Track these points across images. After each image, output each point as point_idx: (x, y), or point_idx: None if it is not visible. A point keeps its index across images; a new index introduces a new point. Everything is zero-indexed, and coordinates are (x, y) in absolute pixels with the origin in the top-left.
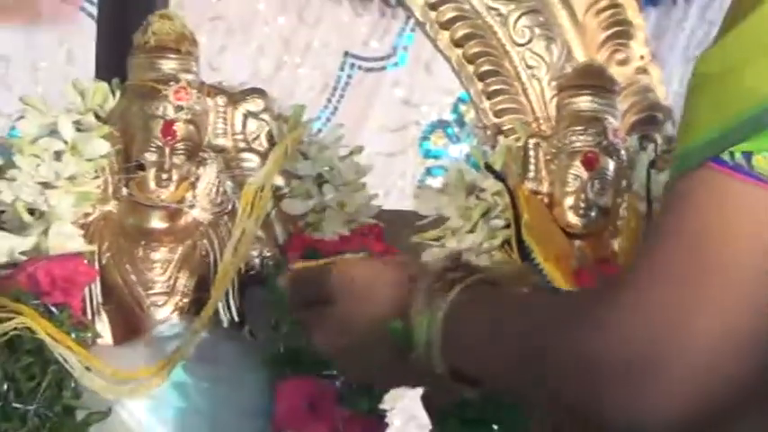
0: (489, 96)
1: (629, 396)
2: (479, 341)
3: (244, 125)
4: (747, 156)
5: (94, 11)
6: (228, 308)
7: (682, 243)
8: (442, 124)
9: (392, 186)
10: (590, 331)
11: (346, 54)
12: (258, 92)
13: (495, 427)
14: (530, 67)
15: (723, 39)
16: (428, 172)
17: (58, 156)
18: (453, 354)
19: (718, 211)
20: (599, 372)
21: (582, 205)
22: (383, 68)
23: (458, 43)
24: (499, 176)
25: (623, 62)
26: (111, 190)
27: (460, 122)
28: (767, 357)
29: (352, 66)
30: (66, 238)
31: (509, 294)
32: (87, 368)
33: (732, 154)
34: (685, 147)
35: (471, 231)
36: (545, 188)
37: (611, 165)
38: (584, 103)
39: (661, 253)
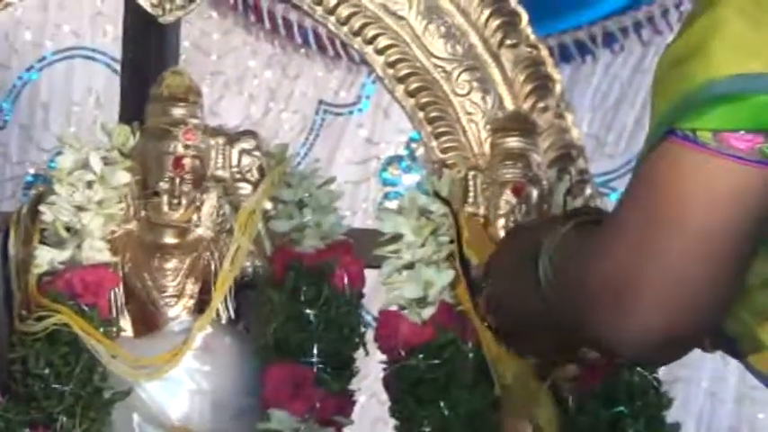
0: (437, 137)
1: (606, 317)
2: (558, 270)
3: (239, 160)
4: (692, 130)
5: (118, 67)
6: (227, 308)
7: (644, 198)
8: (397, 158)
9: (358, 209)
10: (583, 265)
11: (320, 102)
12: (250, 133)
13: (442, 404)
14: (469, 114)
15: (676, 40)
16: (386, 197)
17: (89, 185)
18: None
19: (670, 175)
20: (585, 297)
21: (511, 225)
22: (350, 113)
23: (411, 94)
24: (445, 201)
25: (544, 109)
26: (132, 212)
27: (412, 157)
28: (724, 293)
29: (325, 111)
30: (95, 251)
31: (582, 231)
32: (113, 356)
33: (681, 129)
34: (649, 130)
35: (422, 246)
36: (482, 211)
37: (535, 193)
38: (512, 142)
39: (630, 206)
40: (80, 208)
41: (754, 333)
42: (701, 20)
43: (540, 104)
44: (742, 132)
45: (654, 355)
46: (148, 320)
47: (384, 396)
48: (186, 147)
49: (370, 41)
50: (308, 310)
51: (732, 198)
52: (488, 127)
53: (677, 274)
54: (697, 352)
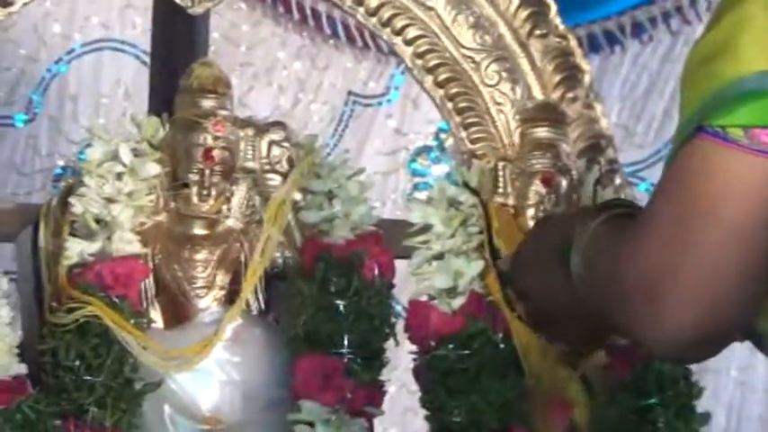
0: (466, 127)
1: (639, 313)
2: (590, 265)
3: (269, 151)
4: (722, 127)
5: (148, 59)
6: (257, 299)
7: (677, 193)
8: (426, 149)
9: (387, 199)
10: (617, 258)
11: (349, 93)
12: (280, 124)
13: (473, 394)
14: (498, 104)
15: (704, 37)
16: (415, 187)
17: (119, 176)
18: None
19: (702, 171)
20: (618, 293)
21: (541, 215)
22: (379, 104)
23: (440, 85)
24: (474, 192)
25: (573, 99)
26: (161, 204)
27: (441, 148)
28: (755, 288)
29: (354, 102)
30: (125, 243)
31: (612, 225)
32: (143, 347)
33: (711, 125)
34: (679, 126)
35: (452, 236)
36: (511, 201)
37: (565, 182)
38: (542, 132)
39: (663, 201)
40: (110, 200)
41: None
42: (728, 16)
43: (570, 95)
44: None
45: (686, 352)
46: (179, 312)
47: (414, 386)
48: (216, 138)
49: (399, 32)
50: (338, 301)
51: (763, 193)
52: (517, 117)
53: (711, 269)
54: None
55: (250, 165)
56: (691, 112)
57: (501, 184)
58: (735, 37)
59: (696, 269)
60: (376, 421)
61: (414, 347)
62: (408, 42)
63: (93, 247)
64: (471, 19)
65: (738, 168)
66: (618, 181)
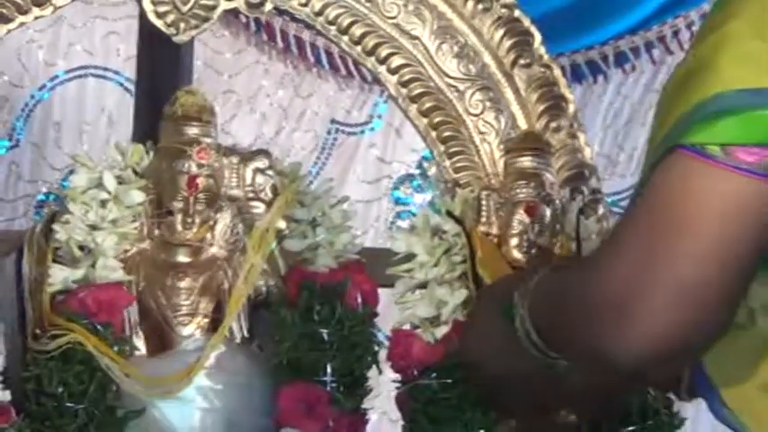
0: (450, 156)
1: (614, 327)
2: (542, 311)
3: (253, 179)
4: (701, 144)
5: (132, 86)
6: (240, 326)
7: (654, 208)
8: (408, 177)
9: (370, 228)
10: (584, 281)
11: (332, 121)
12: (264, 152)
13: (456, 423)
14: (482, 133)
15: (686, 58)
16: (398, 216)
17: (103, 204)
18: (537, 324)
19: (680, 186)
20: (589, 310)
21: (525, 244)
22: (362, 132)
23: (424, 114)
24: (458, 221)
25: (557, 129)
26: (145, 231)
27: (424, 176)
28: (730, 305)
29: (337, 130)
30: (109, 270)
31: (560, 272)
32: (126, 375)
33: (690, 142)
34: (654, 144)
35: (435, 265)
36: (495, 231)
37: (548, 212)
38: (526, 162)
39: (638, 217)
40: (94, 227)
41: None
42: (711, 36)
43: (553, 124)
44: (750, 146)
45: (654, 368)
46: (162, 339)
47: (395, 414)
48: (200, 166)
49: (383, 61)
50: (321, 329)
51: (739, 209)
52: (501, 146)
53: (687, 280)
54: None
55: (234, 192)
56: (668, 129)
57: (484, 214)
58: (716, 56)
59: (672, 283)
60: None
61: (396, 376)
62: (393, 71)
63: (77, 274)
64: (456, 48)
65: (715, 184)
66: (601, 210)
